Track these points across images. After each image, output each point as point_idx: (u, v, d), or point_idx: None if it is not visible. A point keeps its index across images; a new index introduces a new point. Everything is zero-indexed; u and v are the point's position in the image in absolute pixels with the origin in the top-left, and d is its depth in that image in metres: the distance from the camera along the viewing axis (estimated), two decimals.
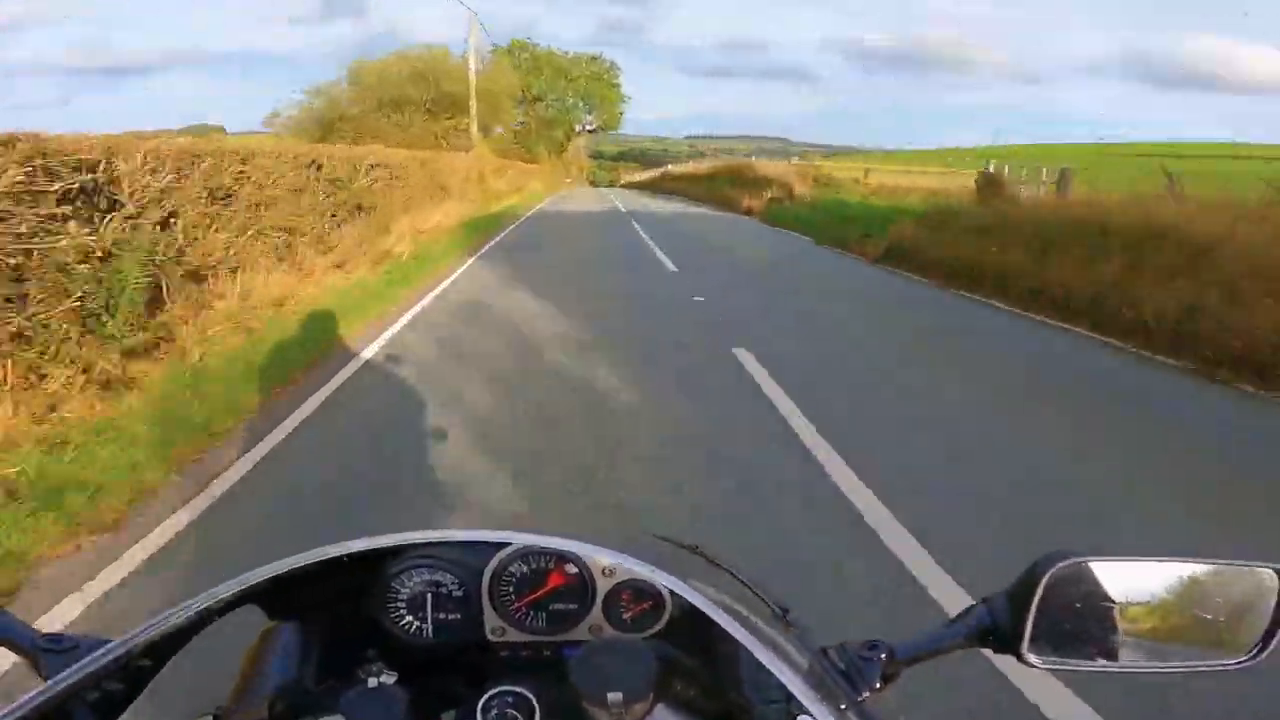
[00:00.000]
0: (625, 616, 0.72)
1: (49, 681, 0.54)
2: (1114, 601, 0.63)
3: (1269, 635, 0.63)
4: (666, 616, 0.72)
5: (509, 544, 0.71)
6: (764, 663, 0.57)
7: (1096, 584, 0.63)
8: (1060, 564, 0.61)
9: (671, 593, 0.71)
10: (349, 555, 0.70)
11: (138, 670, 0.60)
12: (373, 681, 0.56)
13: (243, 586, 0.63)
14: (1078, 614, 0.62)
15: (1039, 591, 0.60)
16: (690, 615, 0.73)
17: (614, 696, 0.54)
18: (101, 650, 0.57)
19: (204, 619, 0.64)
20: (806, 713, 0.58)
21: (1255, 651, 0.64)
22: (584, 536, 0.71)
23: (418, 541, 0.71)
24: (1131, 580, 0.64)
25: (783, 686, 0.67)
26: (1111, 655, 0.63)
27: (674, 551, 0.92)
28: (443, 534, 0.73)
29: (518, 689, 0.61)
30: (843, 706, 0.58)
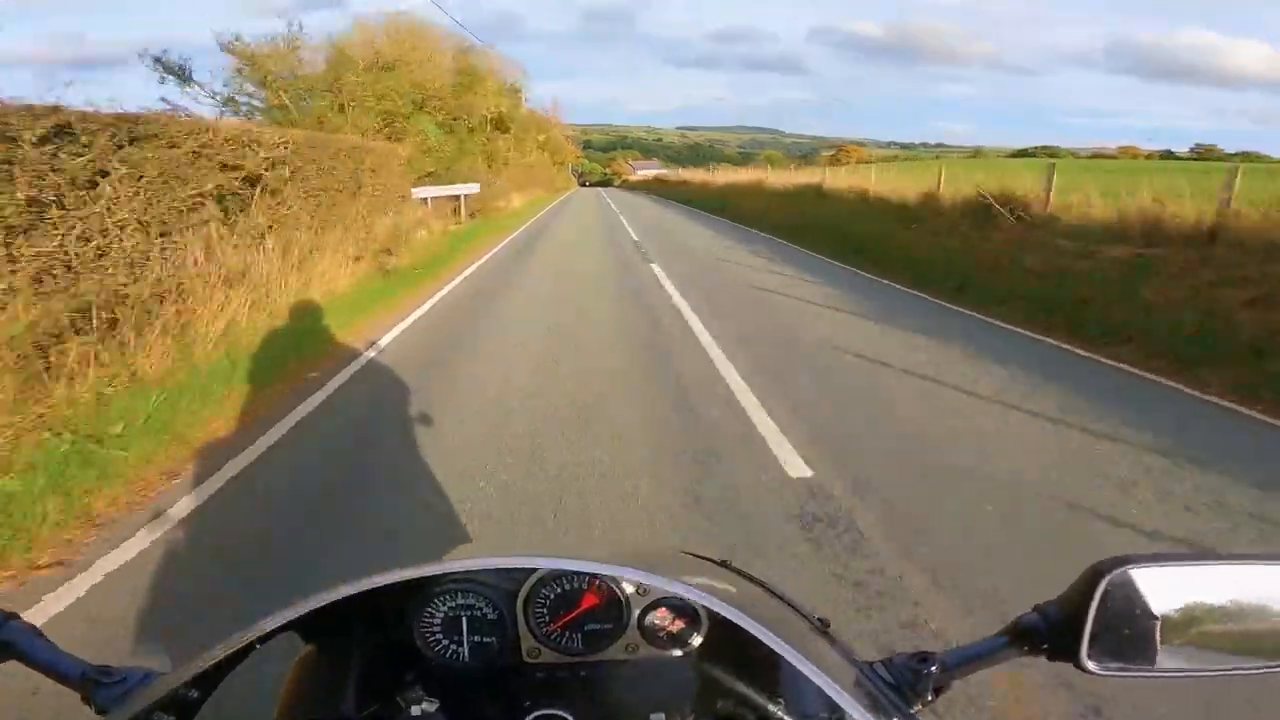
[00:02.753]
0: (661, 634, 0.71)
1: (100, 714, 0.56)
2: (1174, 605, 0.61)
3: None
4: (703, 633, 0.71)
5: (539, 568, 0.70)
6: (810, 677, 0.55)
7: (1154, 588, 0.61)
8: (1117, 570, 0.59)
9: (707, 609, 0.70)
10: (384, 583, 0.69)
11: (186, 701, 0.61)
12: (416, 710, 0.55)
13: (286, 619, 0.62)
14: (1136, 619, 0.60)
15: (1095, 598, 0.59)
16: (727, 631, 0.72)
17: (656, 717, 0.53)
18: (156, 683, 0.58)
19: (246, 649, 0.63)
20: None
21: None
22: (614, 556, 0.71)
23: (452, 571, 0.70)
24: (1190, 582, 0.62)
25: (825, 701, 0.66)
26: (1172, 660, 0.61)
27: (705, 568, 0.91)
28: (475, 561, 0.72)
29: (558, 711, 0.61)
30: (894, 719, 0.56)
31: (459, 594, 0.70)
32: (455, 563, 0.69)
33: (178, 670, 0.58)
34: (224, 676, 0.63)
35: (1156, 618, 0.61)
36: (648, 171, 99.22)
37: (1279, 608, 0.63)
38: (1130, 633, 0.60)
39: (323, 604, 0.63)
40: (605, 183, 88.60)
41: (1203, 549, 2.87)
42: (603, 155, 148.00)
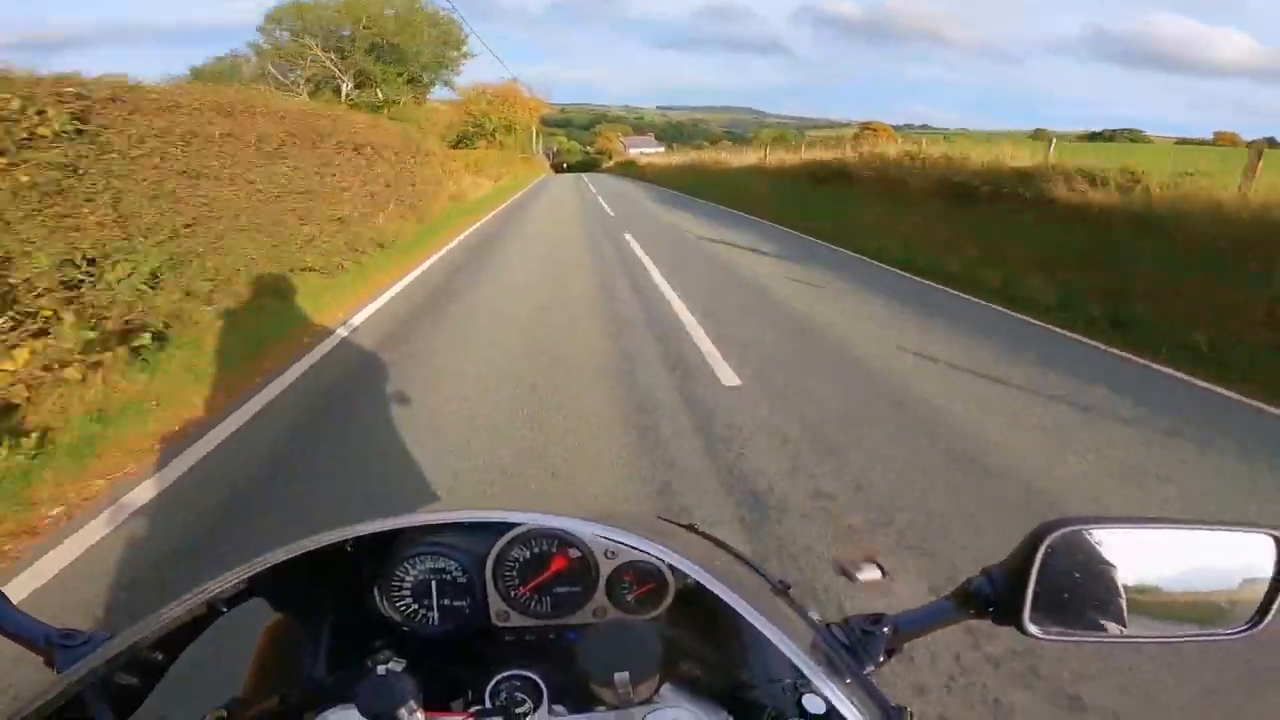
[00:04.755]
0: (629, 598, 0.72)
1: (61, 674, 0.54)
2: (1114, 568, 0.62)
3: (1266, 604, 0.63)
4: (670, 597, 0.73)
5: (512, 527, 0.71)
6: (771, 638, 0.57)
7: (1095, 551, 0.62)
8: (1057, 532, 0.60)
9: (674, 572, 0.72)
10: (352, 545, 0.69)
11: (151, 664, 0.61)
12: (381, 669, 0.56)
13: (250, 573, 0.62)
14: (1078, 583, 0.61)
15: (1037, 560, 0.60)
16: (693, 595, 0.74)
17: (620, 677, 0.54)
18: (111, 643, 0.57)
19: (213, 612, 0.64)
20: (812, 690, 0.59)
21: (1254, 621, 0.63)
22: (583, 515, 0.71)
23: (419, 524, 0.71)
24: (1130, 546, 0.63)
25: (788, 662, 0.68)
26: (1113, 625, 0.62)
27: (672, 532, 0.92)
28: (444, 515, 0.73)
29: (525, 673, 0.62)
30: (848, 680, 0.58)
31: (428, 557, 0.71)
32: (422, 515, 0.70)
33: (135, 629, 0.57)
34: (189, 639, 0.63)
35: (1099, 581, 0.62)
36: (645, 150, 75.88)
37: (1221, 574, 0.64)
38: (1071, 596, 0.61)
39: (283, 559, 0.63)
40: (589, 165, 68.82)
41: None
42: (584, 133, 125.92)
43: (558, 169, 63.12)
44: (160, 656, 0.61)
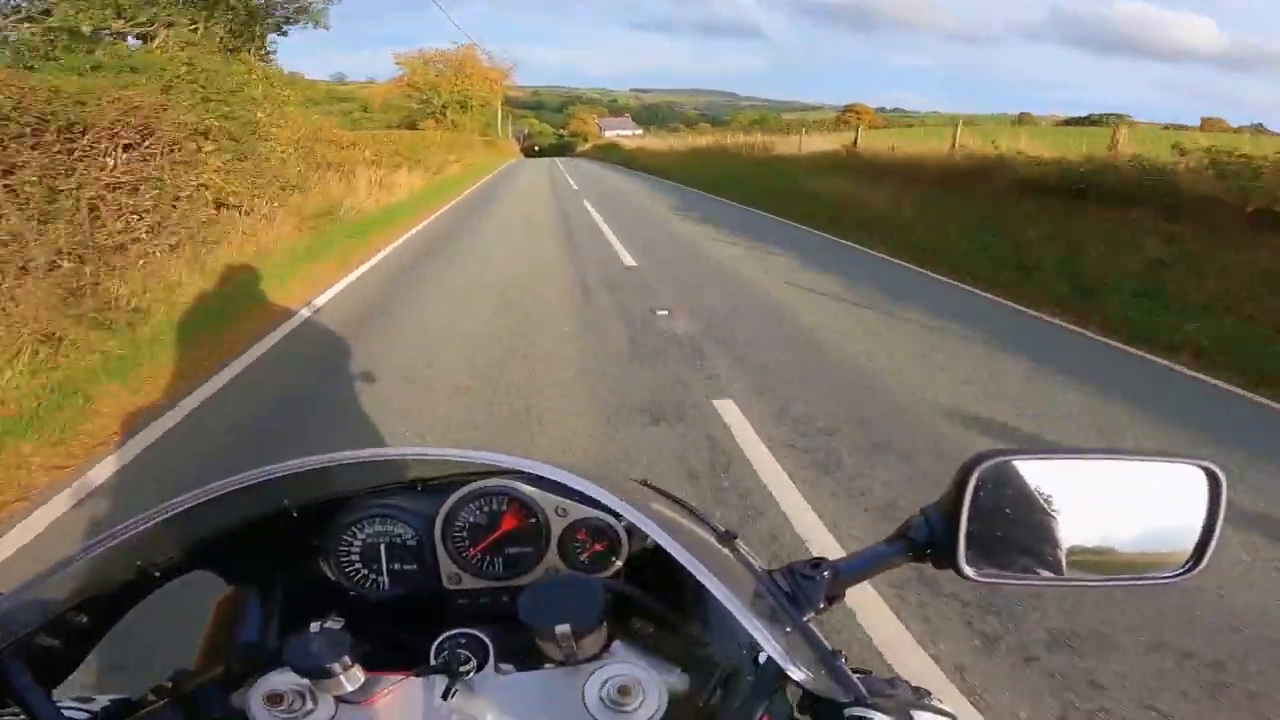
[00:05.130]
0: (582, 557, 0.72)
1: None
2: (1047, 502, 0.61)
3: (1202, 544, 0.61)
4: (623, 555, 0.73)
5: (460, 485, 0.70)
6: (714, 592, 0.56)
7: (1025, 485, 0.60)
8: (985, 464, 0.59)
9: (629, 533, 0.71)
10: (299, 508, 0.68)
11: (76, 629, 0.58)
12: (315, 625, 0.55)
13: (164, 516, 0.59)
14: (1010, 520, 0.60)
15: (967, 495, 0.59)
16: (648, 555, 0.74)
17: (562, 629, 0.54)
18: (19, 587, 0.55)
19: (150, 581, 0.62)
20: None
21: (1190, 563, 0.62)
22: (530, 460, 0.69)
23: (365, 460, 0.69)
24: (1061, 478, 0.61)
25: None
26: (1050, 567, 0.61)
27: (621, 485, 0.92)
28: (379, 452, 0.71)
29: (470, 631, 0.62)
30: (788, 630, 0.58)
31: (376, 520, 0.70)
32: (366, 452, 0.68)
33: (45, 577, 0.55)
34: (125, 607, 0.61)
35: (1033, 517, 0.61)
36: (622, 133, 70.41)
37: (1155, 507, 0.63)
38: (1004, 535, 0.60)
39: (203, 500, 0.60)
40: (563, 149, 64.96)
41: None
42: (557, 115, 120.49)
43: (528, 153, 59.19)
44: (85, 620, 0.59)
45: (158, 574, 0.62)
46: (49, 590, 0.55)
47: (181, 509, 0.60)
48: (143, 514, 0.59)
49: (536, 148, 69.31)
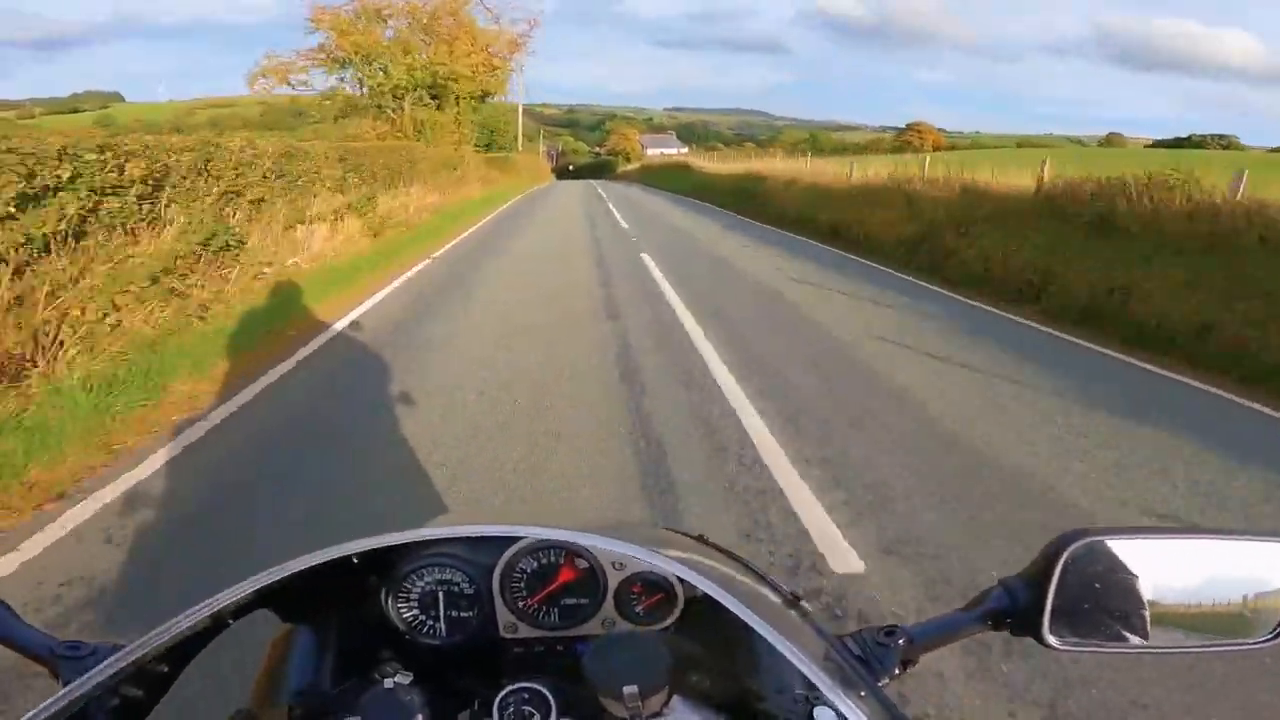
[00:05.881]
0: (638, 609, 0.72)
1: (65, 687, 0.53)
2: (1134, 578, 0.61)
3: None
4: (679, 608, 0.72)
5: (518, 539, 0.70)
6: (782, 650, 0.56)
7: (1115, 561, 0.61)
8: (1078, 542, 0.59)
9: (683, 583, 0.71)
10: (358, 556, 0.69)
11: (157, 676, 0.60)
12: (389, 682, 0.55)
13: (255, 587, 0.62)
14: (1097, 594, 0.61)
15: (1057, 571, 0.59)
16: (703, 606, 0.73)
17: (629, 690, 0.53)
18: (117, 655, 0.56)
19: (218, 624, 0.63)
20: (824, 702, 0.58)
21: (1276, 631, 0.63)
22: (590, 529, 0.70)
23: (427, 538, 0.70)
24: (1150, 557, 0.62)
25: (799, 674, 0.66)
26: (1133, 637, 0.62)
27: (680, 542, 0.91)
28: (451, 529, 0.72)
29: (533, 685, 0.61)
30: (862, 694, 0.57)
31: (435, 569, 0.71)
32: (429, 530, 0.70)
33: (142, 641, 0.57)
34: (195, 651, 0.63)
35: (1120, 592, 0.61)
36: (666, 151, 63.71)
37: (1242, 585, 0.63)
38: (1090, 607, 0.60)
39: (290, 573, 0.63)
40: (602, 169, 59.74)
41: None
42: (591, 134, 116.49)
43: (561, 173, 53.33)
44: (166, 668, 0.61)
45: (230, 620, 0.64)
46: (143, 650, 0.57)
47: (271, 580, 0.62)
48: (237, 586, 0.61)
49: (570, 167, 65.36)
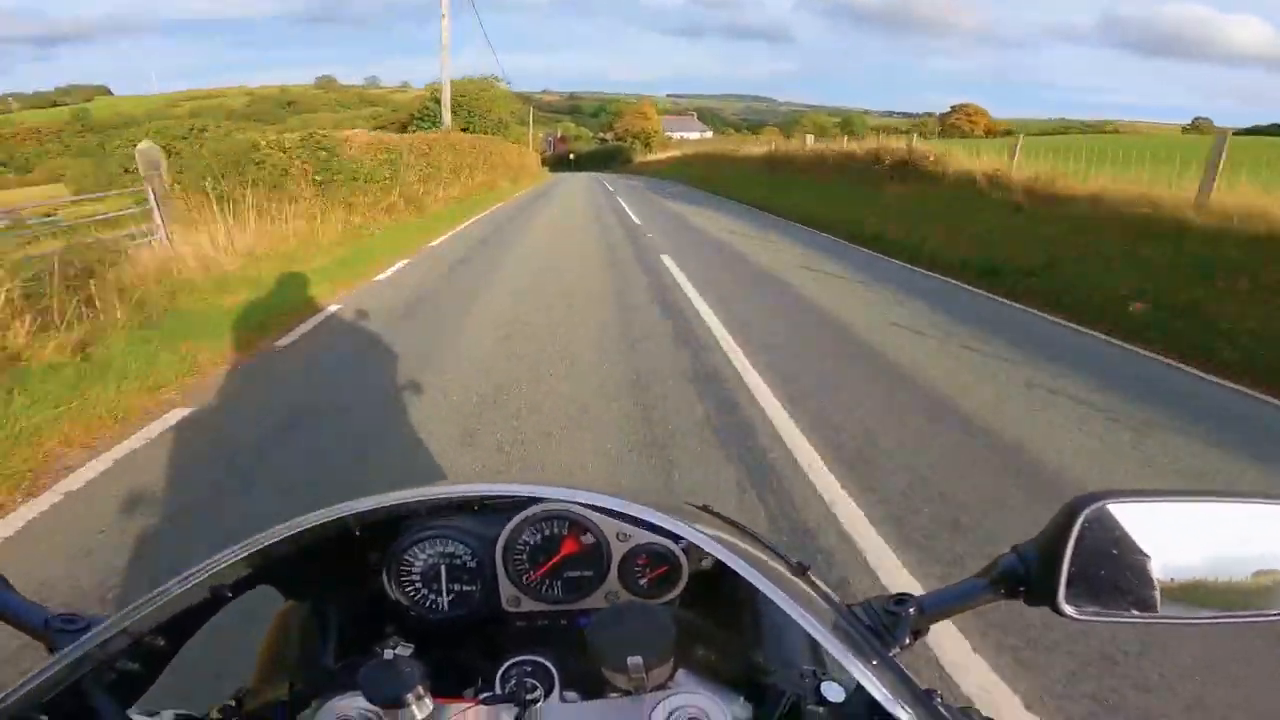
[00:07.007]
0: (642, 582, 0.71)
1: (55, 655, 0.53)
2: (1150, 545, 0.59)
3: None
4: (684, 580, 0.71)
5: (522, 509, 0.69)
6: (795, 617, 0.54)
7: (1131, 527, 0.58)
8: (1092, 505, 0.57)
9: (688, 554, 0.70)
10: (359, 529, 0.68)
11: (154, 650, 0.59)
12: (388, 653, 0.54)
13: (250, 550, 0.61)
14: (1113, 559, 0.58)
15: (1072, 537, 0.57)
16: (708, 578, 0.72)
17: (634, 661, 0.52)
18: (109, 622, 0.56)
19: (218, 597, 0.62)
20: (831, 677, 0.57)
21: None
22: (594, 491, 0.68)
23: (428, 498, 0.69)
24: (1166, 521, 0.59)
25: (806, 647, 0.65)
26: (1150, 606, 0.59)
27: (686, 511, 0.90)
28: (448, 489, 0.71)
29: (536, 658, 0.61)
30: (874, 662, 0.56)
31: (438, 541, 0.70)
32: (432, 489, 0.69)
33: (132, 610, 0.56)
34: (195, 626, 0.62)
35: (1136, 558, 0.59)
36: (688, 135, 53.25)
37: (1266, 550, 0.60)
38: (1106, 574, 0.58)
39: (285, 537, 0.62)
40: (610, 158, 48.10)
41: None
42: (593, 120, 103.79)
43: (557, 163, 42.43)
44: (163, 642, 0.60)
45: (229, 594, 0.63)
46: (135, 617, 0.56)
47: (265, 544, 0.61)
48: (230, 549, 0.60)
49: (572, 155, 52.62)
